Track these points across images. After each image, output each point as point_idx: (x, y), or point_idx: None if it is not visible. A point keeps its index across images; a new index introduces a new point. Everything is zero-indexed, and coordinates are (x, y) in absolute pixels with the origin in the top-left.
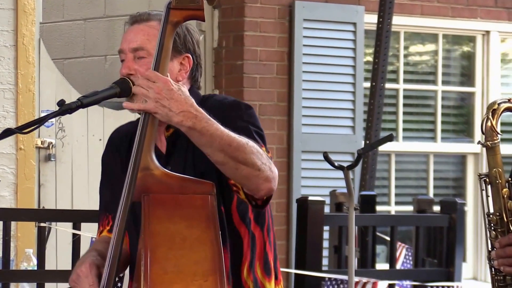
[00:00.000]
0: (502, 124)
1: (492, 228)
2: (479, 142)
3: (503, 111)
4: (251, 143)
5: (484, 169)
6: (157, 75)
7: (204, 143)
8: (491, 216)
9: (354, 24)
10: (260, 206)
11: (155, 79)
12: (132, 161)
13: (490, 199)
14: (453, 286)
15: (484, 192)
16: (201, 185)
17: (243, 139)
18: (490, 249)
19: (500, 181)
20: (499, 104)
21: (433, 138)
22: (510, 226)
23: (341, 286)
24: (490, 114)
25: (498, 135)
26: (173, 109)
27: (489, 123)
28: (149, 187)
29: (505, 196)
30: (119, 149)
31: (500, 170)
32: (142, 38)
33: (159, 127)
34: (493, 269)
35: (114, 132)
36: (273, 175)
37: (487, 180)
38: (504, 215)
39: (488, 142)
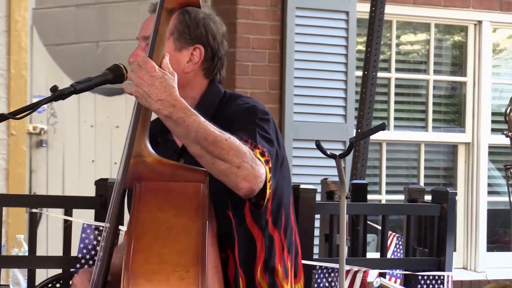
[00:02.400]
0: None
1: None
2: (503, 133)
3: None
4: (232, 139)
5: (475, 159)
6: (145, 60)
7: (179, 134)
8: None
9: (347, 12)
10: (258, 206)
11: (143, 64)
12: (126, 148)
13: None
14: (443, 275)
15: (510, 182)
16: (194, 173)
17: (223, 135)
18: None
19: None
20: None
21: (425, 128)
22: None
23: (332, 274)
24: None
25: None
26: (152, 95)
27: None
28: (141, 174)
29: None
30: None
31: None
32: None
33: None
34: None
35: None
36: (254, 174)
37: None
38: None
39: (510, 133)
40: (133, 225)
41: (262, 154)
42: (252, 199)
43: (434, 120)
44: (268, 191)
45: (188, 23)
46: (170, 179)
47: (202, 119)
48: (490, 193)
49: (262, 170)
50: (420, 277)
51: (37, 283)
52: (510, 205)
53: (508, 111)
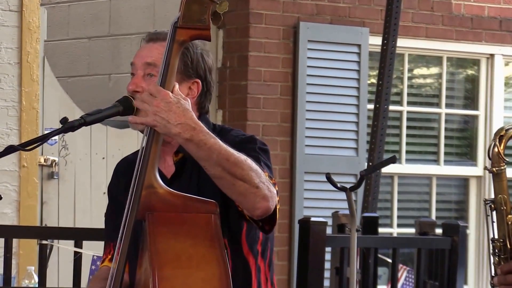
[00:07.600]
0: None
1: (496, 254)
2: (485, 168)
3: (510, 137)
4: (249, 160)
5: (487, 193)
6: (158, 89)
7: (201, 156)
8: (495, 242)
9: (359, 46)
10: (267, 230)
11: (156, 93)
12: (136, 179)
13: (495, 225)
14: None
15: (489, 218)
16: (204, 204)
17: (241, 156)
18: (492, 275)
19: (505, 207)
20: (506, 130)
21: (436, 161)
22: None
23: None
24: (497, 140)
25: (505, 161)
26: (171, 121)
27: (496, 149)
28: (153, 205)
29: (510, 222)
30: (124, 176)
31: (506, 196)
32: (157, 55)
33: (167, 151)
34: None
35: (120, 161)
36: (271, 195)
37: (492, 206)
38: (508, 241)
39: (494, 168)
40: (153, 255)
41: (270, 178)
42: (259, 222)
43: (445, 153)
44: (277, 215)
45: (191, 57)
46: (182, 211)
47: (219, 140)
48: None
49: (275, 191)
50: None
51: None
52: (488, 242)
53: (492, 146)
